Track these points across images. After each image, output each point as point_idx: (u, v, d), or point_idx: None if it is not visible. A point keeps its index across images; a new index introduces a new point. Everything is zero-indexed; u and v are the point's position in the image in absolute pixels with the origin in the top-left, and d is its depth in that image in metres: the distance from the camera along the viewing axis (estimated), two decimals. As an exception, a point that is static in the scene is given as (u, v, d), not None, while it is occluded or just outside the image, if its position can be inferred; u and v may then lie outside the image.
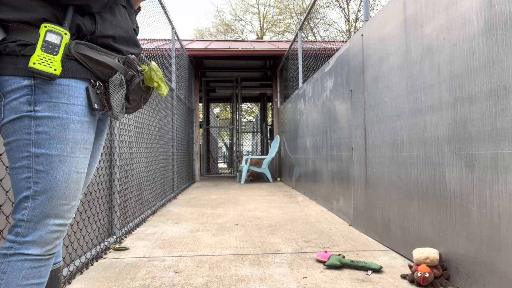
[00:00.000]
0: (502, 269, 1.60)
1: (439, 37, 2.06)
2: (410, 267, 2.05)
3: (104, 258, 2.54)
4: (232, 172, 12.75)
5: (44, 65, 0.97)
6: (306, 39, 6.92)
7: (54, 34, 0.99)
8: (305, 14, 6.31)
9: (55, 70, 0.98)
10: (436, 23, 2.09)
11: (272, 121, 10.44)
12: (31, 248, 1.00)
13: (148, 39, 4.71)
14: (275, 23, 21.95)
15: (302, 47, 6.58)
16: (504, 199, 1.59)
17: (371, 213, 3.00)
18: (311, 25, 6.85)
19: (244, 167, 8.37)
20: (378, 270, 2.18)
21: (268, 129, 12.92)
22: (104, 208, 2.81)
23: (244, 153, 13.88)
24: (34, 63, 0.96)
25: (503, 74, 1.60)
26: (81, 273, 2.23)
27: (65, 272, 2.06)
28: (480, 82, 1.74)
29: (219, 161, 18.49)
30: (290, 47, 7.62)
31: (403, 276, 2.07)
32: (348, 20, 14.49)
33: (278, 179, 9.07)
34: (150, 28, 4.50)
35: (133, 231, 3.39)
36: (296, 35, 6.85)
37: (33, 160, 1.00)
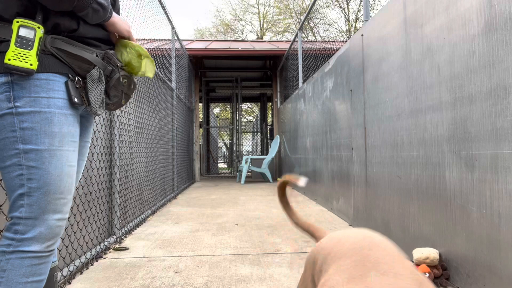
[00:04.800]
0: (502, 269, 1.60)
1: (439, 37, 2.06)
2: (410, 267, 2.05)
3: (104, 258, 2.54)
4: (232, 172, 12.75)
5: (19, 61, 0.95)
6: (306, 39, 6.93)
7: (27, 29, 0.97)
8: (305, 14, 6.31)
9: (31, 65, 0.96)
10: (436, 23, 2.09)
11: (272, 121, 10.44)
12: (31, 245, 0.98)
13: (148, 39, 4.71)
14: (275, 23, 21.95)
15: (302, 47, 6.58)
16: (504, 199, 1.59)
17: (371, 213, 3.00)
18: (311, 25, 6.85)
19: (244, 167, 8.37)
20: (378, 270, 2.18)
21: (268, 129, 12.92)
22: (104, 208, 2.81)
23: (244, 153, 13.88)
24: (9, 59, 0.94)
25: (503, 74, 1.60)
26: (81, 273, 2.23)
27: (65, 272, 2.06)
28: (480, 82, 1.74)
29: (219, 161, 18.50)
30: (290, 47, 7.62)
31: (403, 276, 2.07)
32: (348, 20, 14.49)
33: (278, 179, 9.07)
34: (150, 28, 4.50)
35: (133, 231, 3.39)
36: (296, 35, 6.85)
37: (23, 157, 0.98)
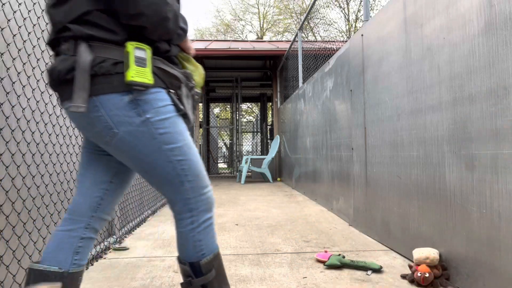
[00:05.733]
0: (502, 269, 1.60)
1: (439, 37, 2.06)
2: (410, 267, 2.05)
3: (104, 258, 2.54)
4: (232, 172, 12.75)
5: (141, 77, 1.11)
6: (306, 39, 6.93)
7: (140, 50, 1.13)
8: (305, 14, 6.31)
9: (149, 80, 1.13)
10: (436, 23, 2.09)
11: (272, 121, 10.44)
12: (205, 215, 1.26)
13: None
14: (275, 23, 21.95)
15: (302, 47, 6.58)
16: (504, 199, 1.59)
17: (371, 213, 3.00)
18: (311, 25, 6.85)
19: (244, 167, 8.37)
20: (378, 270, 2.18)
21: (268, 129, 12.92)
22: (104, 208, 2.80)
23: (244, 153, 13.87)
24: (132, 77, 1.10)
25: (503, 74, 1.60)
26: (81, 273, 2.23)
27: (65, 272, 2.06)
28: (480, 82, 1.74)
29: (219, 161, 18.49)
30: (290, 47, 7.62)
31: (403, 276, 2.07)
32: (348, 20, 14.49)
33: (278, 179, 9.07)
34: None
35: (133, 231, 3.39)
36: (296, 35, 6.85)
37: (170, 154, 1.19)
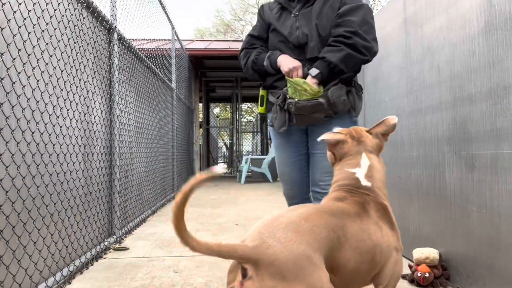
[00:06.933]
0: (502, 269, 1.60)
1: (439, 37, 2.06)
2: (410, 267, 2.05)
3: (104, 258, 2.54)
4: (232, 172, 12.75)
5: (259, 109, 1.91)
6: (306, 39, 6.91)
7: (260, 92, 1.92)
8: (305, 14, 6.28)
9: (260, 110, 1.90)
10: (436, 23, 2.09)
11: (272, 121, 10.41)
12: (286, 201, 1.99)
13: (148, 39, 4.71)
14: (275, 23, 21.89)
15: (302, 47, 6.56)
16: (504, 199, 1.59)
17: (371, 213, 2.99)
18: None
19: (244, 167, 8.37)
20: (378, 270, 2.18)
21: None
22: (104, 208, 2.81)
23: (244, 153, 13.85)
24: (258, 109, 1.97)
25: (503, 74, 1.60)
26: (81, 273, 2.23)
27: (65, 272, 2.06)
28: (480, 82, 1.74)
29: (219, 161, 18.47)
30: (290, 47, 7.59)
31: (403, 276, 2.07)
32: (348, 20, 14.44)
33: (278, 179, 9.07)
34: (150, 28, 4.50)
35: (133, 231, 3.39)
36: (296, 35, 6.83)
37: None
